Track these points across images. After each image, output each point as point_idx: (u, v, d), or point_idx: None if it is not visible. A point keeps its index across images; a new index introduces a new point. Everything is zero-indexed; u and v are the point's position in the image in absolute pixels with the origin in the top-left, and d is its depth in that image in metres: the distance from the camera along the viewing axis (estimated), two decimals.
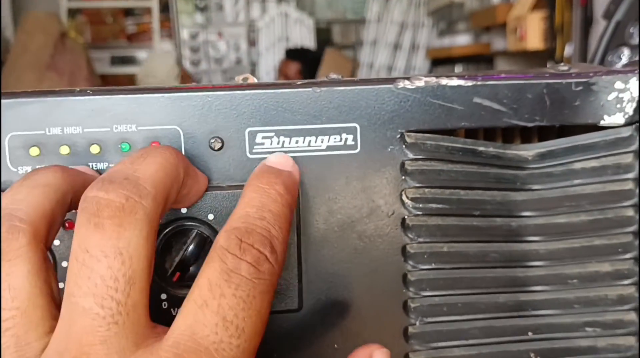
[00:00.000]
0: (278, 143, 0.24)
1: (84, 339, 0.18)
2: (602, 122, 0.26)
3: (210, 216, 0.24)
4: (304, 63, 2.48)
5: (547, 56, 1.79)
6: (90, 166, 0.23)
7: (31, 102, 0.23)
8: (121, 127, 0.23)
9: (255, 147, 0.24)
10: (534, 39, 1.87)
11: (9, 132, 0.23)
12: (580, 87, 0.25)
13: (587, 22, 1.57)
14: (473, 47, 2.43)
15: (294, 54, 2.56)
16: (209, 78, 3.19)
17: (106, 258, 0.18)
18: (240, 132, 0.24)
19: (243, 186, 0.24)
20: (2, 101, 0.23)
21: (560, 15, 1.73)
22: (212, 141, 0.24)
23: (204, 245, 0.24)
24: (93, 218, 0.19)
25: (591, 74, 0.25)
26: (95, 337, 0.18)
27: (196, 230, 0.24)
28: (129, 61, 3.35)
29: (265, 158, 0.24)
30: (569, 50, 1.65)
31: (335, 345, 0.26)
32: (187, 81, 2.50)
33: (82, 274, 0.18)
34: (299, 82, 0.24)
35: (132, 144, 0.23)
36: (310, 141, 0.24)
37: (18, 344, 0.18)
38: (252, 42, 3.13)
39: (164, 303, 0.24)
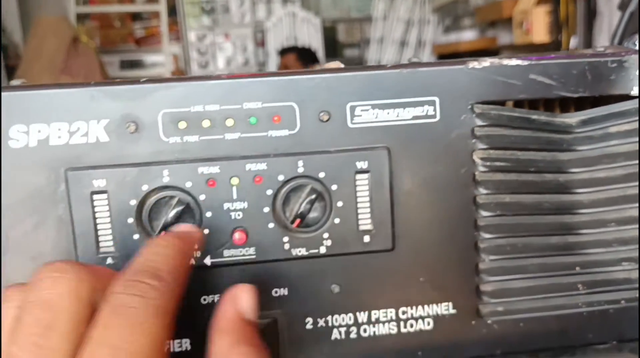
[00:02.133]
0: (373, 114, 0.30)
1: None
2: (632, 93, 0.31)
3: (322, 174, 0.29)
4: (297, 52, 2.61)
5: (552, 48, 1.85)
6: (224, 137, 0.29)
7: (177, 85, 0.28)
8: (249, 104, 0.29)
9: (354, 118, 0.30)
10: (540, 32, 1.92)
11: (161, 110, 0.28)
12: (614, 64, 0.31)
13: (591, 14, 1.62)
14: (479, 42, 2.48)
15: (286, 49, 2.71)
16: None
17: (32, 309, 0.21)
18: (342, 106, 0.29)
19: (346, 150, 0.30)
20: (152, 84, 0.28)
21: (565, 8, 1.79)
22: (321, 114, 0.29)
23: (317, 197, 0.29)
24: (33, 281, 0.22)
25: (623, 54, 0.31)
26: None
27: (310, 185, 0.29)
28: (137, 64, 3.41)
29: (363, 127, 0.30)
30: (574, 42, 1.71)
31: (421, 279, 0.31)
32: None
33: (14, 326, 0.21)
34: (389, 65, 0.30)
35: (258, 118, 0.29)
36: (398, 113, 0.30)
37: None
38: (259, 43, 3.20)
39: (285, 245, 0.29)
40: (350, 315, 0.31)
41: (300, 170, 0.29)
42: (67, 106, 0.28)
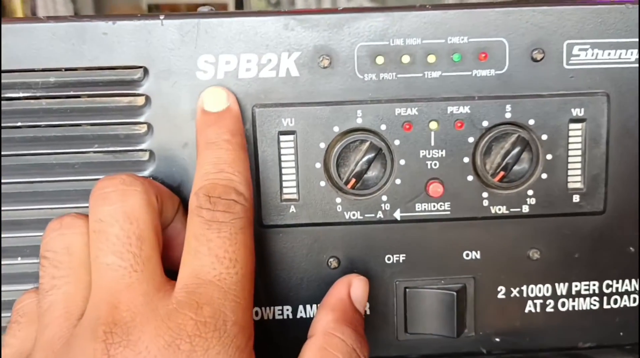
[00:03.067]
0: (592, 55, 0.26)
1: (112, 288, 0.21)
2: None
3: (531, 122, 0.26)
4: None
5: None
6: (424, 75, 0.26)
7: (378, 16, 0.25)
8: (454, 39, 0.26)
9: (572, 59, 0.26)
10: None
11: (358, 43, 0.25)
12: None
13: None
14: None
15: None
16: None
17: (117, 221, 0.22)
18: (558, 44, 0.26)
19: (561, 94, 0.26)
20: (351, 14, 0.25)
21: None
22: (534, 52, 0.26)
23: (524, 148, 0.26)
24: (99, 193, 0.22)
25: None
26: (120, 284, 0.21)
27: (517, 134, 0.26)
28: None
29: (581, 69, 0.26)
30: None
31: (631, 249, 0.27)
32: None
33: (100, 238, 0.22)
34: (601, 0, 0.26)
35: (462, 55, 0.26)
36: (620, 54, 0.26)
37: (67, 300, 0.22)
38: None
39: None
40: (548, 285, 0.28)
41: (508, 116, 0.26)
42: (259, 35, 0.25)
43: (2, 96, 0.25)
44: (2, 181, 0.26)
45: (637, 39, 0.26)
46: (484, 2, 0.26)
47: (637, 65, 0.26)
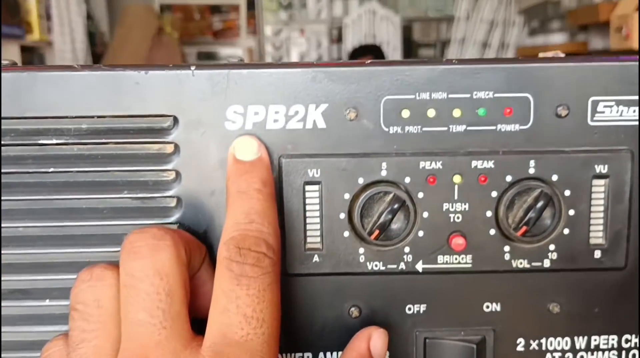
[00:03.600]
0: (617, 112, 0.26)
1: (142, 344, 0.22)
2: None
3: (554, 177, 0.26)
4: (374, 54, 2.50)
5: None
6: (449, 129, 0.26)
7: (405, 70, 0.26)
8: (480, 94, 0.26)
9: (596, 115, 0.26)
10: None
11: (384, 96, 0.26)
12: None
13: None
14: (568, 45, 2.38)
15: (363, 49, 2.61)
16: None
17: (147, 277, 0.22)
18: (583, 101, 0.26)
19: (585, 151, 0.26)
20: (378, 67, 0.26)
21: None
22: (559, 108, 0.26)
23: (547, 203, 0.26)
24: (130, 247, 0.23)
25: None
26: (150, 341, 0.22)
27: (540, 189, 0.26)
28: (213, 57, 3.46)
29: (605, 125, 0.26)
30: None
31: None
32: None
33: (131, 294, 0.22)
34: (626, 57, 0.26)
35: (488, 110, 0.26)
36: None
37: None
38: (333, 40, 3.18)
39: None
40: (567, 339, 0.28)
41: (531, 171, 0.26)
42: (287, 87, 0.26)
43: (36, 142, 0.26)
44: (34, 224, 0.26)
45: None
46: (509, 58, 0.26)
47: None
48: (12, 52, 1.94)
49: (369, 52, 2.51)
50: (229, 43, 3.46)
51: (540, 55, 0.29)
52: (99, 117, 0.26)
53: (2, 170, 0.26)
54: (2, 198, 0.26)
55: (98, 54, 2.66)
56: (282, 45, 3.27)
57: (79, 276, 0.24)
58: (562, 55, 0.28)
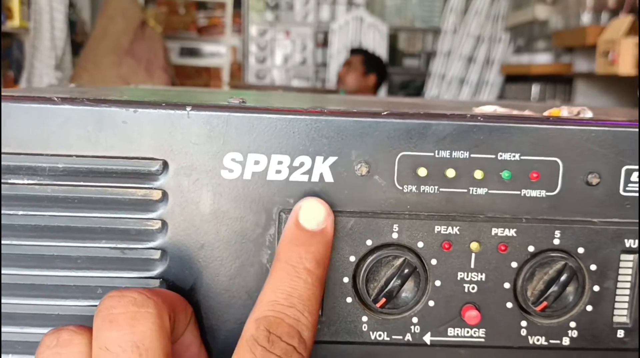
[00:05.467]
0: None
1: None
2: None
3: (580, 250, 0.24)
4: (365, 55, 2.49)
5: (634, 82, 1.76)
6: (469, 191, 0.24)
7: (424, 124, 0.23)
8: (505, 156, 0.23)
9: (629, 185, 0.24)
10: (626, 64, 1.83)
11: (400, 151, 0.23)
12: None
13: None
14: (553, 66, 2.39)
15: (356, 50, 2.60)
16: (271, 76, 3.22)
17: (124, 352, 0.19)
18: (616, 170, 0.24)
19: (615, 223, 0.24)
20: (393, 119, 0.23)
21: None
22: (590, 176, 0.24)
23: (570, 278, 0.24)
24: (106, 313, 0.20)
25: None
26: None
27: (564, 262, 0.24)
28: (196, 53, 3.41)
29: (638, 197, 0.24)
30: None
31: None
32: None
33: None
34: None
35: (512, 173, 0.24)
36: None
37: None
38: (319, 44, 3.15)
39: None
40: None
41: (556, 242, 0.24)
42: (293, 135, 0.23)
43: (6, 181, 0.23)
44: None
45: None
46: (537, 117, 0.24)
47: None
48: None
49: (360, 54, 2.49)
50: (213, 40, 3.41)
51: (563, 114, 0.27)
52: (77, 156, 0.23)
53: None
54: None
55: (78, 43, 2.59)
56: (266, 45, 3.23)
57: (43, 340, 0.21)
58: (590, 114, 0.26)
